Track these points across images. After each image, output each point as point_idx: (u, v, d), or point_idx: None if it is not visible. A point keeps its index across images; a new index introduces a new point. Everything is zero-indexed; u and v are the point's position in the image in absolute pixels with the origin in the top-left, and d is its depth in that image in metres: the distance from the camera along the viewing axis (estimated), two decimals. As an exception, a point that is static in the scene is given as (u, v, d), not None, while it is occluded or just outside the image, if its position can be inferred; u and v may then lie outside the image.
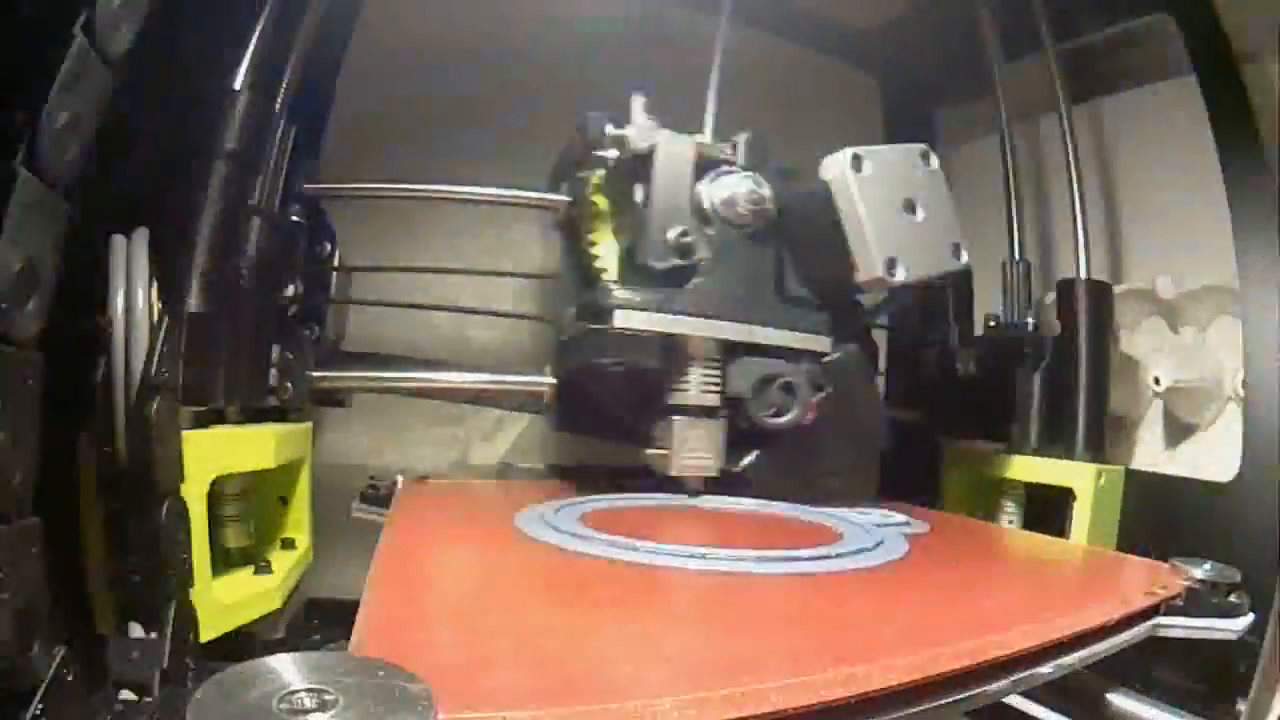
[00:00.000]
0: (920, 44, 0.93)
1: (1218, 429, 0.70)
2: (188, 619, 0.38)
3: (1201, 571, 0.43)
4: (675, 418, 0.57)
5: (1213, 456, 0.69)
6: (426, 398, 0.80)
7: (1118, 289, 0.74)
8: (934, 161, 0.59)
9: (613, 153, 0.57)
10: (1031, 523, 0.71)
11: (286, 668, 0.22)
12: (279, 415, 0.58)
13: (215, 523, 0.49)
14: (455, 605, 0.36)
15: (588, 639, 0.30)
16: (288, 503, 0.59)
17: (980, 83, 0.82)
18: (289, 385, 0.59)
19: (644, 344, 0.54)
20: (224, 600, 0.46)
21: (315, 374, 0.61)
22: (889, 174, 0.55)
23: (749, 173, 0.58)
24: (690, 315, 0.55)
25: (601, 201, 0.62)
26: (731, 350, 0.57)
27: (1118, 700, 0.45)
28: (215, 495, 0.48)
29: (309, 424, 0.61)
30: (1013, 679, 0.32)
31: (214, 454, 0.46)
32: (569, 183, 0.67)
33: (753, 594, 0.38)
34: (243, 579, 0.50)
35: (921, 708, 0.28)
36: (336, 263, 0.68)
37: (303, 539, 0.59)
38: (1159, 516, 0.65)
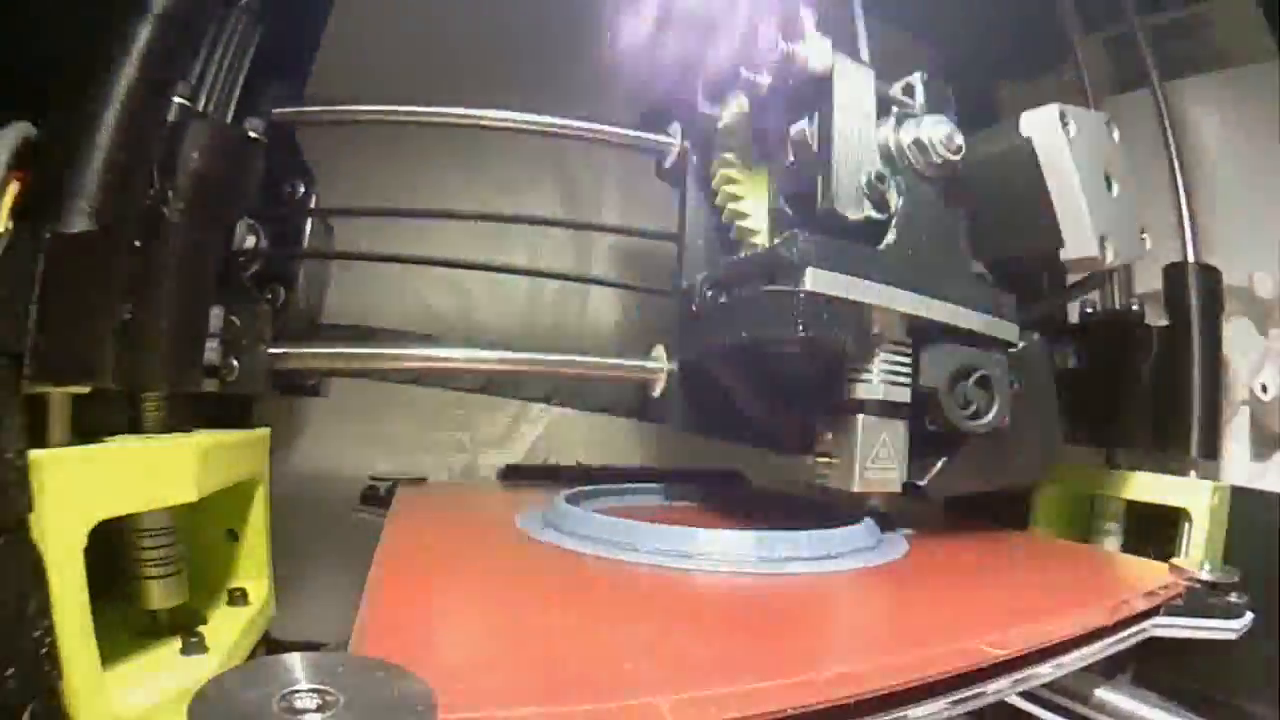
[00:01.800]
0: (981, 14, 0.84)
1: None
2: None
3: (1201, 572, 0.43)
4: (860, 417, 0.44)
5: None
6: (425, 385, 0.70)
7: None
8: (1117, 133, 0.50)
9: (764, 78, 0.46)
10: (1137, 547, 0.61)
11: (287, 667, 0.22)
12: (239, 414, 0.46)
13: (124, 574, 0.36)
14: (455, 605, 0.36)
15: (588, 639, 0.30)
16: (239, 538, 0.44)
17: (1040, 60, 0.77)
18: (234, 363, 0.45)
19: (835, 316, 0.42)
20: (119, 710, 0.29)
21: (274, 350, 0.46)
22: (1092, 140, 0.47)
23: (941, 116, 0.47)
24: (888, 284, 0.43)
25: (741, 143, 0.51)
26: (920, 334, 0.46)
27: (1117, 700, 0.45)
28: (122, 535, 0.35)
29: (265, 430, 0.46)
30: (1013, 679, 0.32)
31: (98, 482, 0.30)
32: (681, 121, 0.57)
33: (753, 593, 0.38)
34: (161, 661, 0.34)
35: (922, 708, 0.28)
36: (312, 206, 0.54)
37: (259, 587, 0.44)
38: (1260, 536, 0.58)
